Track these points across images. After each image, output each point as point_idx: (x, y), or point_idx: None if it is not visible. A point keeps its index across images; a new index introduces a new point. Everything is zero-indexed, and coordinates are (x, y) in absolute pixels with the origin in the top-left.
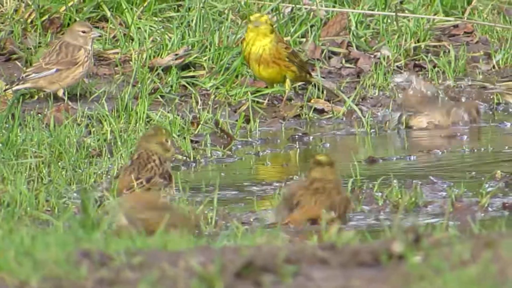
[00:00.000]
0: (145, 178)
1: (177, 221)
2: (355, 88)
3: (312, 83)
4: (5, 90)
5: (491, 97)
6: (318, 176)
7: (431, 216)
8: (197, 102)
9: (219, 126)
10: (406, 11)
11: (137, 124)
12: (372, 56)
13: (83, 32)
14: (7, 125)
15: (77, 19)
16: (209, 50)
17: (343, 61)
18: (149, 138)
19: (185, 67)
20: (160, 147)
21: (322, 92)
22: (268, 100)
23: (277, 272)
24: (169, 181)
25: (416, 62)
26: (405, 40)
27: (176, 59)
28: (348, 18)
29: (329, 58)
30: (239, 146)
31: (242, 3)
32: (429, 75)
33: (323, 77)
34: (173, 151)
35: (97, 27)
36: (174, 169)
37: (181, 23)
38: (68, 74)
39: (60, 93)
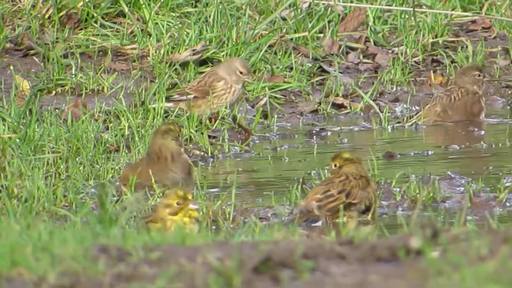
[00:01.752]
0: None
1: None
2: (373, 84)
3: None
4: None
5: (509, 92)
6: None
7: (449, 211)
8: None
9: (237, 122)
10: (424, 7)
11: (155, 120)
12: (390, 51)
13: (241, 72)
14: (24, 121)
15: (95, 14)
16: (227, 45)
17: (361, 57)
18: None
19: (202, 62)
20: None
21: (340, 87)
22: (286, 96)
23: (295, 268)
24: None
25: (434, 57)
26: (423, 36)
27: (193, 54)
28: (366, 13)
29: (347, 53)
30: (257, 141)
31: None
32: (447, 70)
33: (341, 73)
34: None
35: (115, 23)
36: (193, 164)
37: (199, 19)
38: (202, 103)
39: (203, 119)
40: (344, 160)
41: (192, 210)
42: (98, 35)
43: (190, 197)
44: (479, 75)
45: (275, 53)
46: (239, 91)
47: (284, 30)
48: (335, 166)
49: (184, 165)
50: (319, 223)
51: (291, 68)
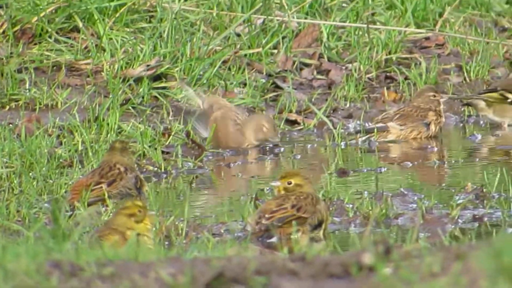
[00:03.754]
0: (107, 182)
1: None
2: (327, 100)
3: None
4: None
5: (462, 109)
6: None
7: (401, 228)
8: (168, 113)
9: (190, 137)
10: (378, 23)
11: (108, 135)
12: (344, 67)
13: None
14: None
15: (49, 29)
16: (181, 61)
17: (315, 73)
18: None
19: (156, 78)
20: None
21: (294, 103)
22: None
23: (247, 284)
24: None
25: (387, 74)
26: (377, 52)
27: (147, 70)
28: (320, 29)
29: (301, 69)
30: (210, 157)
31: (214, 14)
32: (401, 87)
33: (295, 89)
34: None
35: (69, 38)
36: (145, 180)
37: (153, 34)
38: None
39: None
40: (294, 177)
41: (151, 217)
42: (52, 50)
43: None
44: (434, 96)
45: (229, 69)
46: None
47: (238, 46)
48: (289, 183)
49: (135, 180)
50: (273, 239)
51: (245, 84)
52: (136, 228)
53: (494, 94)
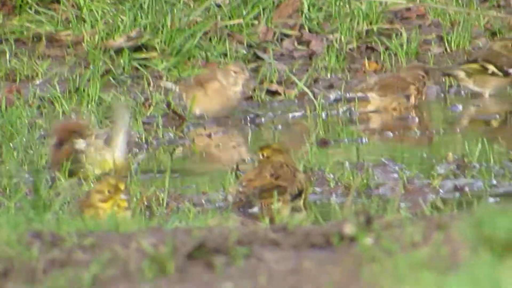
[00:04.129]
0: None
1: None
2: (307, 71)
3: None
4: None
5: (443, 79)
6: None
7: (382, 198)
8: (149, 84)
9: (171, 108)
10: None
11: (89, 106)
12: (325, 38)
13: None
14: None
15: (29, 0)
16: (162, 32)
17: (296, 44)
18: None
19: (137, 49)
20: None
21: (275, 73)
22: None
23: (229, 254)
24: None
25: (368, 44)
26: (358, 23)
27: (128, 41)
28: (301, 0)
29: (281, 40)
30: (191, 128)
31: None
32: (381, 58)
33: (276, 60)
34: None
35: (49, 9)
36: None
37: (134, 5)
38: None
39: None
40: (272, 150)
41: (122, 200)
42: (32, 21)
43: (122, 187)
44: (423, 77)
45: (210, 40)
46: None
47: (219, 17)
48: (263, 156)
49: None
50: (255, 209)
51: (226, 55)
52: (102, 208)
53: (475, 65)
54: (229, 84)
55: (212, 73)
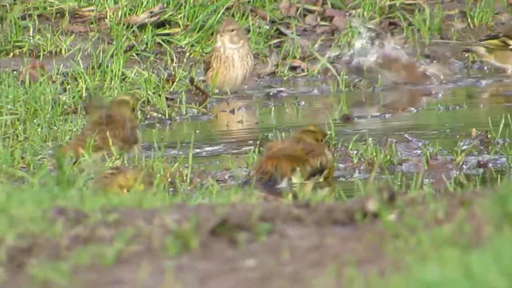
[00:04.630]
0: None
1: None
2: (330, 46)
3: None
4: None
5: (466, 55)
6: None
7: (406, 174)
8: (172, 60)
9: (194, 84)
10: None
11: (112, 82)
12: (347, 14)
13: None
14: None
15: None
16: (184, 7)
17: (318, 19)
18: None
19: (160, 24)
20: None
21: (297, 49)
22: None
23: (252, 230)
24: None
25: (391, 20)
26: None
27: (151, 16)
28: None
29: (304, 16)
30: (214, 104)
31: None
32: (404, 33)
33: (298, 35)
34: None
35: None
36: (149, 126)
37: None
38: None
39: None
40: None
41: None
42: None
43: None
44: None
45: (233, 15)
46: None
47: None
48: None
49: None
50: (283, 184)
51: (249, 31)
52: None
53: (495, 41)
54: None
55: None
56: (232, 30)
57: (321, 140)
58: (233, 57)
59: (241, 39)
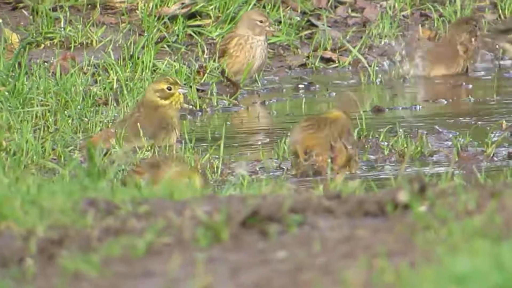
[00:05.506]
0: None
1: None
2: (361, 38)
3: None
4: None
5: (497, 46)
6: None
7: (436, 166)
8: (203, 51)
9: (225, 75)
10: None
11: (143, 73)
12: (378, 5)
13: (260, 21)
14: (13, 74)
15: None
16: None
17: (349, 11)
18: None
19: (191, 16)
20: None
21: (329, 41)
22: (274, 49)
23: (283, 222)
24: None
25: (422, 11)
26: None
27: (182, 8)
28: None
29: (335, 7)
30: (245, 95)
31: None
32: (435, 24)
33: (329, 27)
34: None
35: None
36: (181, 118)
37: None
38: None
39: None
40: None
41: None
42: None
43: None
44: (475, 26)
45: (264, 7)
46: (259, 48)
47: None
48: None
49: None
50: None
51: (280, 22)
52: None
53: None
54: (255, 34)
55: (231, 33)
56: (261, 21)
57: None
58: (256, 48)
59: (263, 30)
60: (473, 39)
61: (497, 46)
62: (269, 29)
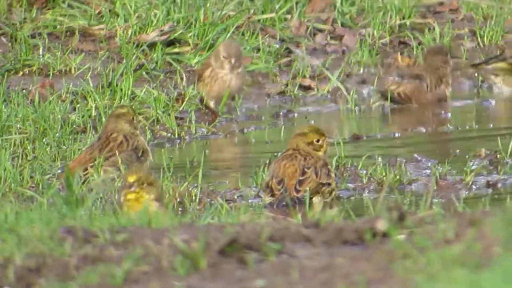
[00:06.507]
0: (105, 157)
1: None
2: (340, 65)
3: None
4: None
5: (476, 74)
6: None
7: (415, 194)
8: (182, 79)
9: (204, 103)
10: None
11: (122, 101)
12: (357, 33)
13: (224, 57)
14: None
15: None
16: (194, 26)
17: (328, 38)
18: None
19: (170, 43)
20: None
21: (307, 68)
22: (253, 77)
23: (261, 250)
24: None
25: (401, 39)
26: (390, 17)
27: (161, 35)
28: None
29: (314, 35)
30: (224, 123)
31: None
32: (414, 52)
33: (308, 54)
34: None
35: (82, 3)
36: (159, 146)
37: None
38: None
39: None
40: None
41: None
42: (65, 15)
43: (131, 180)
44: (447, 55)
45: (243, 34)
46: (233, 79)
47: (252, 11)
48: (317, 141)
49: (137, 146)
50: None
51: (259, 49)
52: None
53: (503, 64)
54: (219, 68)
55: (208, 60)
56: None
57: (317, 141)
58: (228, 80)
59: (241, 64)
60: (447, 68)
61: (476, 74)
62: (231, 64)
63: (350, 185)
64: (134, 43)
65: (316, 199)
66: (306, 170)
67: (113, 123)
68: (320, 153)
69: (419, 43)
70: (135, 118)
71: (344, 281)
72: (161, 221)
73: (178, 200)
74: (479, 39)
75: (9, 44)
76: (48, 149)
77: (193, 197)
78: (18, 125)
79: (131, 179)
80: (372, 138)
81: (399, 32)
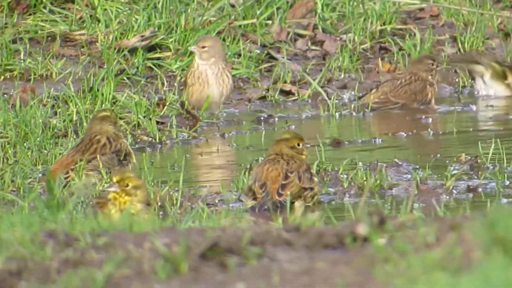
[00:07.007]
0: (86, 159)
1: None
2: (321, 71)
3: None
4: None
5: (457, 80)
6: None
7: (396, 198)
8: (163, 84)
9: (185, 108)
10: None
11: (103, 105)
12: (338, 38)
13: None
14: None
15: (44, 0)
16: (175, 31)
17: (309, 44)
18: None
19: (151, 48)
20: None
21: (288, 73)
22: (234, 82)
23: (242, 254)
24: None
25: (382, 45)
26: (371, 23)
27: (142, 40)
28: (314, 0)
29: (295, 40)
30: (205, 128)
31: None
32: (395, 58)
33: (289, 59)
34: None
35: (64, 8)
36: (140, 150)
37: (148, 5)
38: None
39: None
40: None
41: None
42: (47, 20)
43: (114, 179)
44: (433, 64)
45: (224, 40)
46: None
47: (233, 17)
48: (298, 145)
49: (119, 149)
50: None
51: (240, 55)
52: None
53: (497, 66)
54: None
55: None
56: (203, 47)
57: (298, 145)
58: (206, 73)
59: (212, 56)
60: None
61: (457, 80)
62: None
63: (331, 190)
64: (115, 48)
65: (298, 203)
66: (289, 174)
67: (97, 125)
68: (303, 157)
69: (400, 49)
70: (116, 122)
71: (325, 285)
72: (142, 225)
73: (159, 204)
74: (460, 45)
75: None
76: (29, 153)
77: (174, 201)
78: None
79: (114, 179)
80: (353, 143)
81: (380, 37)
